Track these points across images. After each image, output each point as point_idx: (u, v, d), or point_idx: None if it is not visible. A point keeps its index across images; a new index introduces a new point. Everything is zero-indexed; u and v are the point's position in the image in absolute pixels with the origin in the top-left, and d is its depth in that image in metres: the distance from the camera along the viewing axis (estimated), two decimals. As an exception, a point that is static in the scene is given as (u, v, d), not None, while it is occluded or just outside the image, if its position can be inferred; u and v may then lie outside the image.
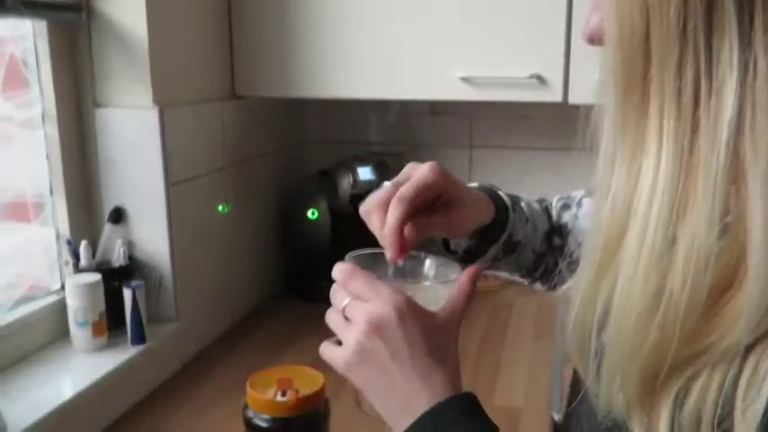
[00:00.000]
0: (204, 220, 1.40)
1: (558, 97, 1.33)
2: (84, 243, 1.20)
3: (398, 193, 0.59)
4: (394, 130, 1.86)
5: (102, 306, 1.17)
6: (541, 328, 1.51)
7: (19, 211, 1.21)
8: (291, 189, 1.74)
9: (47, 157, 1.21)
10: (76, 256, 1.20)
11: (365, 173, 1.58)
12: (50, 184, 1.22)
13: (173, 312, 1.29)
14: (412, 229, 0.58)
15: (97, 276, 1.17)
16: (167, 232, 1.26)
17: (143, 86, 1.21)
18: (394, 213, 0.58)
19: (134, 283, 1.20)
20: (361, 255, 0.61)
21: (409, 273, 0.61)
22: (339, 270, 0.57)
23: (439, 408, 0.51)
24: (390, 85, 1.42)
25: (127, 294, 1.19)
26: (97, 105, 1.23)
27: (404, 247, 0.58)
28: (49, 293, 1.21)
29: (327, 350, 0.57)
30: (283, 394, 0.81)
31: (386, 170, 1.64)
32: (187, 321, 1.32)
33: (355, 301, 0.55)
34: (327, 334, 0.58)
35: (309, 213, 1.61)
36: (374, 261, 0.60)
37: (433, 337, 0.54)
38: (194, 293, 1.36)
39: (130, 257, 1.25)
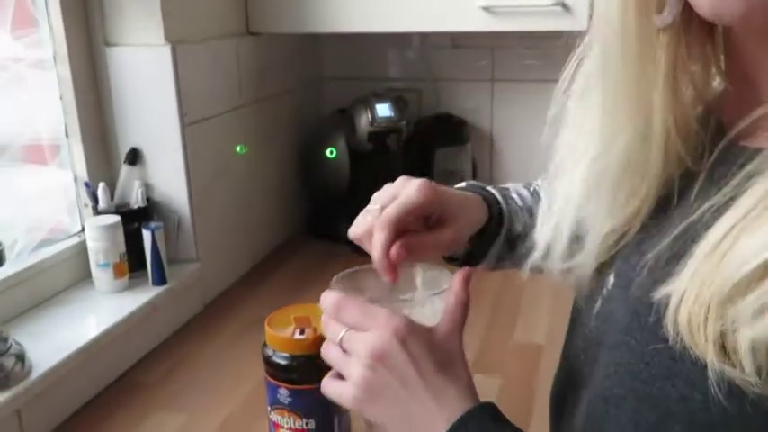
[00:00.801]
0: (222, 160, 1.38)
1: (582, 25, 1.27)
2: (101, 185, 1.19)
3: (381, 217, 0.56)
4: (413, 65, 1.81)
5: (122, 248, 1.17)
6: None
7: (35, 154, 1.20)
8: (309, 128, 1.71)
9: (60, 99, 1.20)
10: (95, 199, 1.20)
11: (384, 109, 1.55)
12: (65, 126, 1.21)
13: (193, 253, 1.29)
14: (399, 250, 0.56)
15: (116, 218, 1.17)
16: (185, 173, 1.25)
17: (154, 23, 1.18)
18: (378, 239, 0.55)
19: (153, 224, 1.20)
20: (346, 275, 0.58)
21: (399, 285, 0.58)
22: (328, 302, 0.54)
23: (460, 424, 0.48)
24: (408, 18, 1.37)
25: (146, 236, 1.19)
26: (108, 44, 1.21)
27: (395, 268, 0.56)
28: (70, 236, 1.21)
29: (330, 387, 0.53)
30: (301, 332, 0.81)
31: (405, 107, 1.61)
32: (208, 262, 1.32)
33: (351, 332, 0.52)
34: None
35: (328, 152, 1.59)
36: (361, 278, 0.58)
37: (439, 353, 0.51)
38: (214, 234, 1.35)
39: (149, 199, 1.25)
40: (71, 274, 1.19)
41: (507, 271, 1.50)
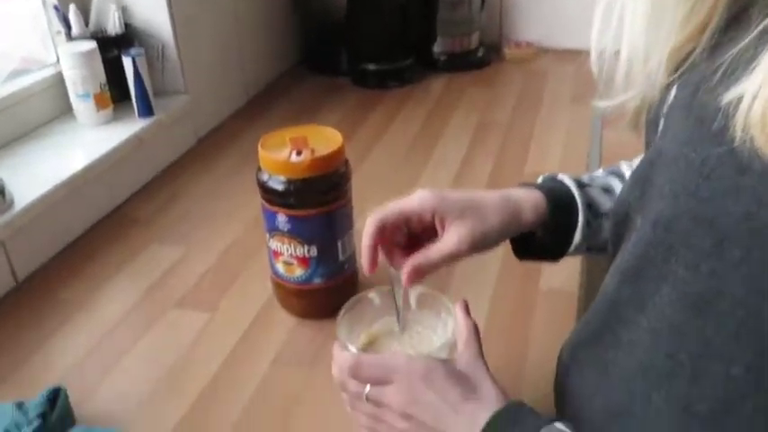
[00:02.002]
0: (206, -19, 1.25)
1: None
2: (72, 8, 1.08)
3: (371, 215, 0.59)
4: None
5: (102, 77, 1.08)
6: (579, 93, 1.40)
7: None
8: (302, -51, 1.56)
9: None
10: (67, 24, 1.09)
11: (384, -77, 1.38)
12: (26, -59, 1.07)
13: (181, 85, 1.20)
14: (410, 275, 0.58)
15: (92, 44, 1.07)
16: (165, -5, 1.13)
17: None
18: (365, 232, 0.58)
19: (133, 51, 1.10)
20: (348, 310, 0.61)
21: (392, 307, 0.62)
22: (345, 363, 0.55)
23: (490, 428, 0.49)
24: None
25: (127, 63, 1.09)
26: None
27: (375, 262, 0.59)
28: (45, 66, 1.12)
29: None
30: (298, 154, 0.74)
31: None
32: (198, 94, 1.23)
33: (376, 388, 0.53)
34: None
35: (323, -25, 1.45)
36: (361, 306, 0.62)
37: (463, 382, 0.52)
38: (203, 65, 1.25)
39: (127, 25, 1.14)
40: (50, 106, 1.10)
41: (520, 100, 1.42)
